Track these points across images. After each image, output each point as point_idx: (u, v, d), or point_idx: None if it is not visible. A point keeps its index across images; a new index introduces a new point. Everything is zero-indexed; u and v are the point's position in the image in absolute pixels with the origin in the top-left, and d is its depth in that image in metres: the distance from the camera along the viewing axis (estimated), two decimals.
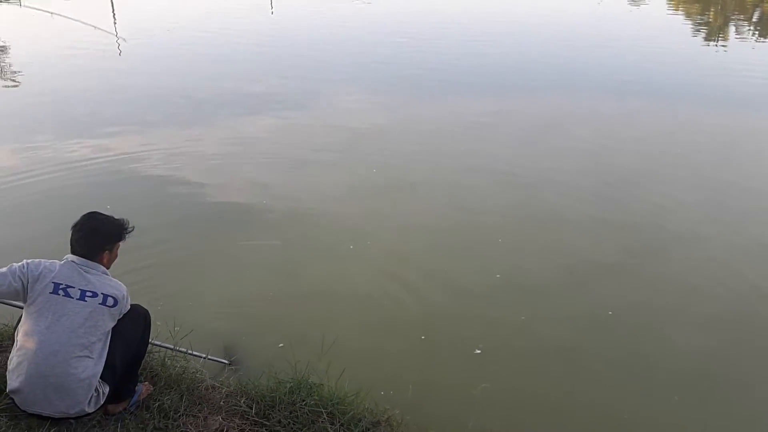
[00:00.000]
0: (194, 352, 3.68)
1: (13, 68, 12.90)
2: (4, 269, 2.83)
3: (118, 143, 8.13)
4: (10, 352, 2.87)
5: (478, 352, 4.24)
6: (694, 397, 3.95)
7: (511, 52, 14.58)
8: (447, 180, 7.13)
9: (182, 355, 3.60)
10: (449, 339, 4.41)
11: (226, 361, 3.94)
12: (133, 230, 3.12)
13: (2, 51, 14.61)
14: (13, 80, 11.94)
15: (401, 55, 14.13)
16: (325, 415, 3.03)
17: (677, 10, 23.27)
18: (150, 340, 3.26)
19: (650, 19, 20.72)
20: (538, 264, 5.41)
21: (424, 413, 3.50)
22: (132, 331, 3.02)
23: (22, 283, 2.81)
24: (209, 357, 3.75)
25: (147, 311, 3.15)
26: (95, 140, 8.22)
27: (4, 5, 20.56)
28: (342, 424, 3.00)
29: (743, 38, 18.14)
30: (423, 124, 9.35)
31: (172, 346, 3.57)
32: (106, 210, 3.09)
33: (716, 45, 16.84)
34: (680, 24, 20.05)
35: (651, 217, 6.32)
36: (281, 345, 4.17)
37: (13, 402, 2.84)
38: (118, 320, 2.96)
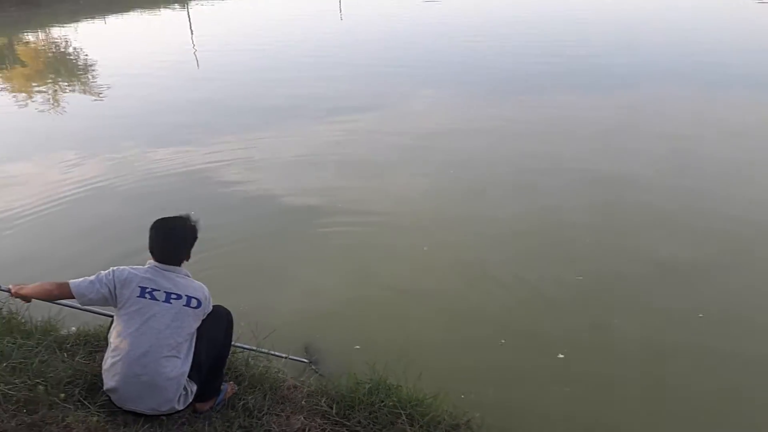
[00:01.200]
0: (276, 353, 3.76)
1: (99, 83, 13.68)
2: (92, 277, 2.99)
3: (197, 151, 8.47)
4: (104, 353, 3.02)
5: (561, 356, 4.12)
6: None
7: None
8: (522, 180, 7.00)
9: (264, 355, 3.69)
10: (530, 343, 4.31)
11: (306, 361, 4.01)
12: (198, 222, 3.15)
13: (90, 68, 15.53)
14: (99, 95, 12.67)
15: (473, 55, 14.01)
16: (404, 417, 3.02)
17: None
18: (233, 341, 3.34)
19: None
20: (621, 266, 5.20)
21: (504, 417, 3.44)
22: (215, 331, 3.11)
23: (109, 289, 2.96)
24: (290, 357, 3.82)
25: (229, 311, 3.24)
26: (176, 148, 8.60)
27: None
28: (421, 426, 2.98)
29: None
30: (495, 121, 9.23)
31: (254, 347, 3.66)
32: (192, 215, 3.18)
33: None
34: None
35: (741, 217, 5.97)
36: (357, 347, 4.19)
37: (110, 400, 2.99)
38: (202, 321, 3.06)
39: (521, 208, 6.30)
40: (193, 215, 3.16)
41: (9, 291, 3.13)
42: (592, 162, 7.45)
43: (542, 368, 4.07)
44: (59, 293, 3.00)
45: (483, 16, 19.85)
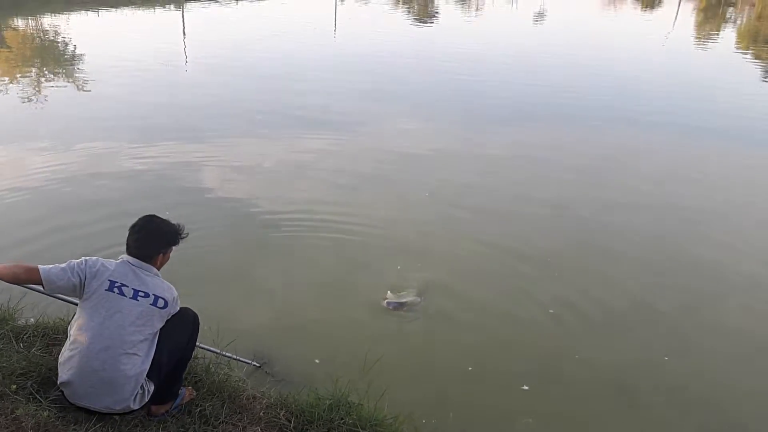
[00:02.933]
0: (240, 357, 3.78)
1: (85, 75, 13.53)
2: (63, 265, 2.92)
3: (178, 152, 8.41)
4: (62, 346, 2.94)
5: (526, 388, 4.13)
6: None
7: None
8: (500, 209, 7.07)
9: (226, 362, 3.64)
10: (497, 372, 4.32)
11: (257, 364, 4.04)
12: (187, 236, 3.19)
13: (77, 60, 15.37)
14: (83, 87, 12.52)
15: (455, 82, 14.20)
16: None
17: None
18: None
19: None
20: (592, 302, 5.25)
21: None
22: (180, 334, 3.06)
23: (80, 278, 2.89)
24: (245, 361, 3.91)
25: (196, 315, 3.19)
26: (155, 148, 8.52)
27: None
28: None
29: None
30: (477, 149, 9.35)
31: (218, 350, 3.64)
32: (165, 215, 3.16)
33: None
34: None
35: (713, 261, 6.10)
36: (317, 361, 4.18)
37: (63, 395, 2.91)
38: (168, 322, 3.01)
39: (495, 236, 6.35)
40: (182, 225, 3.15)
41: None
42: (571, 197, 7.57)
43: (506, 399, 4.09)
44: (27, 278, 2.89)
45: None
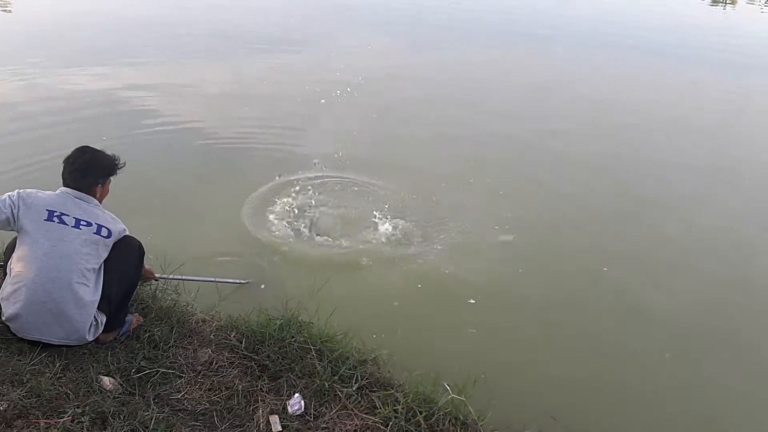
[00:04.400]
0: (227, 279, 4.05)
1: None
2: None
3: (115, 76, 7.97)
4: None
5: (472, 302, 4.27)
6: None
7: None
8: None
9: (173, 287, 3.62)
10: (446, 290, 4.43)
11: (241, 281, 4.19)
12: (124, 166, 3.10)
13: None
14: (4, 8, 11.60)
15: None
16: (313, 352, 3.06)
17: None
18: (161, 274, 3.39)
19: None
20: (540, 212, 5.42)
21: (410, 354, 3.54)
22: (126, 263, 3.03)
23: (12, 210, 2.79)
24: (235, 281, 4.13)
25: (140, 243, 3.15)
26: (91, 71, 8.06)
27: None
28: (330, 361, 3.03)
29: None
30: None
31: (211, 278, 3.84)
32: (102, 143, 3.05)
33: None
34: None
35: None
36: (263, 286, 4.21)
37: (7, 329, 2.85)
38: (113, 251, 2.97)
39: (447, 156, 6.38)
40: (117, 156, 3.07)
41: None
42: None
43: (453, 312, 4.22)
44: None
45: None
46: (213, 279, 3.99)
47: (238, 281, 4.16)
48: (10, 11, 11.31)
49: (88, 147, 3.04)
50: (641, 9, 16.80)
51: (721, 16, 17.46)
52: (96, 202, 2.99)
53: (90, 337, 2.89)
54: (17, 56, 8.54)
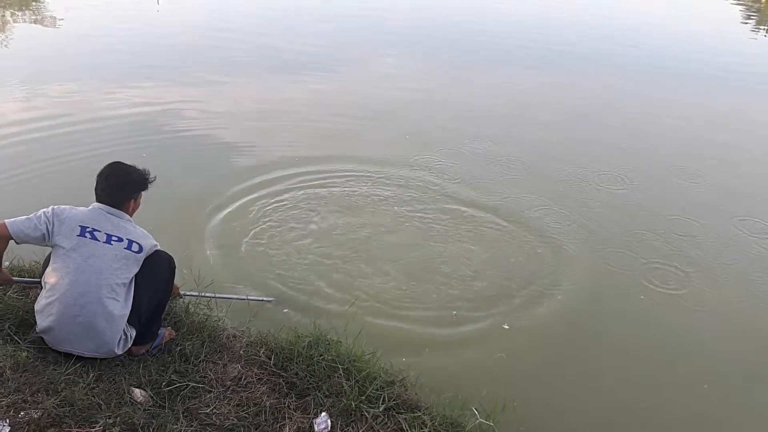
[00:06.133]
0: (254, 297, 4.08)
1: (53, 13, 13.00)
2: (31, 215, 2.90)
3: (153, 95, 8.19)
4: (38, 289, 2.93)
5: (506, 327, 4.22)
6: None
7: None
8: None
9: (206, 303, 3.67)
10: (478, 312, 4.36)
11: (269, 300, 4.19)
12: (155, 180, 3.16)
13: None
14: (53, 25, 12.06)
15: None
16: (341, 371, 3.06)
17: None
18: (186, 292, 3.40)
19: None
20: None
21: (438, 377, 3.51)
22: (157, 278, 3.07)
23: (47, 227, 2.88)
24: (251, 297, 4.12)
25: (171, 257, 3.19)
26: (130, 90, 8.29)
27: None
28: (357, 381, 3.02)
29: None
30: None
31: (213, 294, 3.73)
32: (142, 158, 3.12)
33: None
34: None
35: None
36: (285, 311, 4.18)
37: (43, 340, 2.93)
38: (144, 266, 3.01)
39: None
40: (148, 170, 3.13)
41: None
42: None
43: (486, 337, 4.14)
44: None
45: None
46: (236, 297, 4.04)
47: (263, 299, 4.17)
48: (60, 27, 11.75)
49: (120, 162, 3.10)
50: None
51: None
52: (128, 217, 3.06)
53: (119, 351, 2.94)
54: (60, 73, 8.85)
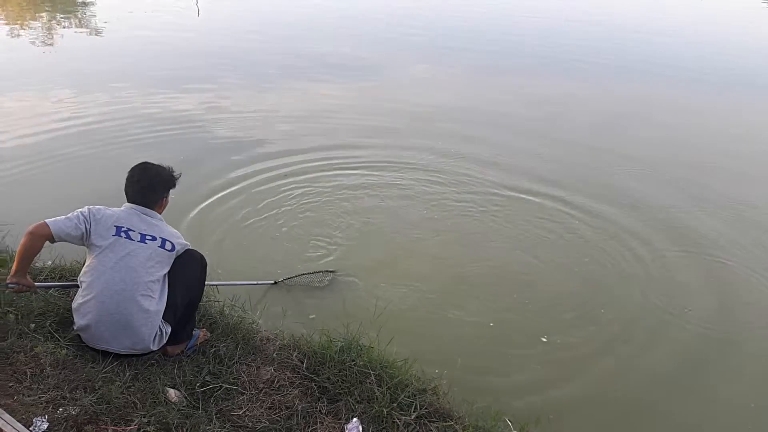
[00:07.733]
0: (253, 282, 4.18)
1: (97, 20, 13.37)
2: (69, 214, 2.96)
3: (193, 101, 8.35)
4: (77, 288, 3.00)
5: (544, 339, 4.13)
6: None
7: None
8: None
9: (240, 305, 3.70)
10: (516, 324, 4.28)
11: (271, 282, 4.35)
12: (180, 176, 3.22)
13: (88, 4, 15.17)
14: (96, 32, 12.40)
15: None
16: (373, 377, 3.04)
17: None
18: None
19: None
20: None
21: (471, 387, 3.46)
22: (189, 274, 3.12)
23: (86, 226, 2.94)
24: (261, 282, 4.32)
25: (202, 255, 3.24)
26: (171, 96, 8.47)
27: None
28: (389, 387, 3.00)
29: None
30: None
31: (229, 282, 3.87)
32: (180, 161, 3.16)
33: None
34: None
35: None
36: (312, 316, 4.16)
37: (80, 338, 2.99)
38: (176, 263, 3.07)
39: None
40: (172, 167, 3.19)
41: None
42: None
43: (523, 349, 4.06)
44: (41, 241, 2.87)
45: None
46: (238, 282, 4.15)
47: (265, 282, 4.32)
48: (102, 36, 12.08)
49: (149, 163, 3.16)
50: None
51: None
52: (160, 216, 3.13)
53: (154, 347, 2.98)
54: (103, 79, 9.09)
